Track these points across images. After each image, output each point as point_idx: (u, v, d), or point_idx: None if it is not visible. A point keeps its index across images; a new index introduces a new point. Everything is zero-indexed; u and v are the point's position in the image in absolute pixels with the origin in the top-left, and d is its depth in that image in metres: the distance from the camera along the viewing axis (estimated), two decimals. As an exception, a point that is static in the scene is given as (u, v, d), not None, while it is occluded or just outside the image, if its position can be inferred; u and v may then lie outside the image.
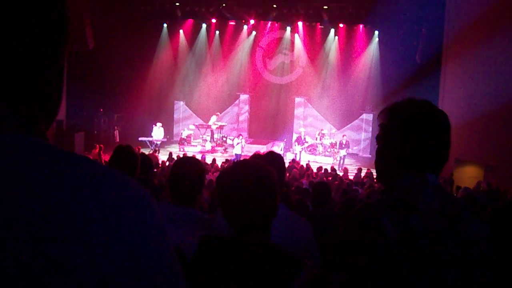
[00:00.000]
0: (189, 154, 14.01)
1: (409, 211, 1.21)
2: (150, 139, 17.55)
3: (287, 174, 11.26)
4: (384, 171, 1.40)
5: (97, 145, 14.75)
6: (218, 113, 19.40)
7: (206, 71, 21.30)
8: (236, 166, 1.58)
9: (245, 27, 20.77)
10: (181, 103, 21.10)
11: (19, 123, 0.65)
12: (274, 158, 2.42)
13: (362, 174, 13.51)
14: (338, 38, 20.22)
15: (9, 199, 0.58)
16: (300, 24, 20.17)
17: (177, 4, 19.22)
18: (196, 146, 18.73)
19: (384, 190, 1.34)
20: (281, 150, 18.07)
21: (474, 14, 13.62)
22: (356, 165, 16.02)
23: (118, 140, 18.34)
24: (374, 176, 11.91)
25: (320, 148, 18.30)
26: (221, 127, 18.92)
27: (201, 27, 20.97)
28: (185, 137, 18.78)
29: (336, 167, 15.32)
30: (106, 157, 13.45)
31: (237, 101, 21.39)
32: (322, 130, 18.88)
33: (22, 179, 0.59)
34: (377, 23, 18.76)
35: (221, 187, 1.54)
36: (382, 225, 1.18)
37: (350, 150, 17.69)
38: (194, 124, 19.56)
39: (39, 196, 0.59)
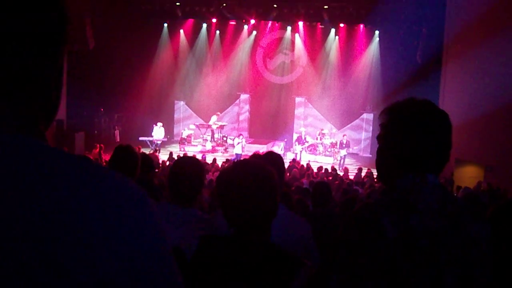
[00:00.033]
0: (190, 154, 14.02)
1: (409, 211, 1.21)
2: (150, 138, 17.55)
3: (287, 174, 11.25)
4: (384, 171, 1.40)
5: (98, 145, 14.76)
6: (219, 113, 19.40)
7: (206, 71, 21.30)
8: (236, 166, 1.58)
9: (246, 27, 20.77)
10: (182, 102, 21.10)
11: (18, 123, 0.65)
12: (273, 158, 2.43)
13: (363, 174, 13.52)
14: (339, 38, 20.21)
15: (7, 200, 0.58)
16: (300, 24, 20.17)
17: (178, 3, 19.22)
18: (197, 145, 18.73)
19: (385, 190, 1.34)
20: (281, 150, 18.07)
21: (474, 14, 13.62)
22: (357, 165, 16.02)
23: (118, 140, 18.33)
24: (375, 176, 11.91)
25: (321, 148, 18.30)
26: (221, 127, 18.92)
27: (201, 27, 20.96)
28: (185, 137, 18.78)
29: (336, 167, 15.32)
30: (106, 157, 13.46)
31: (237, 101, 21.39)
32: (322, 130, 18.88)
33: (20, 179, 0.59)
34: (378, 23, 18.76)
35: (221, 187, 1.54)
36: (381, 225, 1.18)
37: (350, 150, 17.69)
38: (194, 124, 19.56)
39: (36, 197, 0.59)
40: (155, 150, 16.70)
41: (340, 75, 20.21)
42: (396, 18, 17.45)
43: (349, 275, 1.20)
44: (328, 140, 18.24)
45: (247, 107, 21.28)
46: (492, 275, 1.25)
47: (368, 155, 18.97)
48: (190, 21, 20.82)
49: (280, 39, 20.94)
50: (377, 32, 19.66)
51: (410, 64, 16.90)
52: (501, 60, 12.38)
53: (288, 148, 18.64)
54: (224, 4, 19.24)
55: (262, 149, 17.05)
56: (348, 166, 15.36)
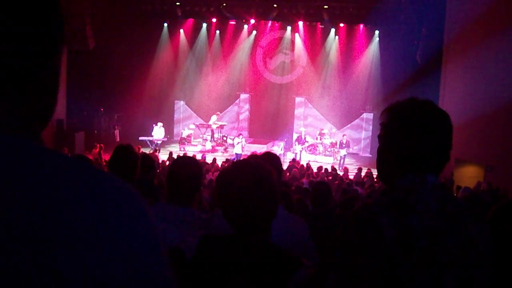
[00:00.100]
0: (190, 154, 14.03)
1: (407, 212, 1.21)
2: (150, 138, 17.55)
3: (287, 174, 11.26)
4: (384, 170, 1.40)
5: (97, 145, 14.75)
6: (219, 113, 19.41)
7: (206, 71, 21.30)
8: (236, 166, 1.58)
9: (246, 26, 20.77)
10: (182, 102, 21.10)
11: (13, 124, 0.64)
12: (271, 158, 2.43)
13: (362, 174, 13.52)
14: (339, 38, 20.22)
15: (0, 201, 0.58)
16: (300, 23, 20.18)
17: (178, 3, 19.22)
18: (197, 145, 18.73)
19: (385, 190, 1.34)
20: (281, 149, 18.07)
21: (474, 14, 13.62)
22: (357, 165, 16.02)
23: (118, 139, 18.33)
24: (375, 176, 11.91)
25: (321, 148, 18.30)
26: (221, 127, 18.93)
27: (201, 26, 20.97)
28: (185, 137, 18.78)
29: (336, 167, 15.32)
30: (106, 157, 13.46)
31: (237, 101, 21.39)
32: (322, 129, 18.88)
33: (13, 180, 0.59)
34: (378, 22, 18.76)
35: (221, 187, 1.54)
36: (379, 225, 1.18)
37: (350, 150, 17.70)
38: (194, 124, 19.57)
39: (29, 198, 0.58)
40: (155, 150, 16.70)
41: (340, 75, 20.22)
42: (396, 18, 17.46)
43: (347, 275, 1.20)
44: (328, 140, 18.24)
45: (247, 106, 21.28)
46: (492, 275, 1.25)
47: (368, 155, 18.97)
48: (190, 21, 20.82)
49: (280, 39, 20.94)
50: (377, 32, 19.67)
51: (410, 64, 16.91)
52: (501, 60, 12.38)
53: (288, 148, 18.65)
54: (224, 4, 19.24)
55: (262, 149, 17.05)
56: (348, 166, 15.35)
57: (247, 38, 20.95)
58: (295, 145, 18.01)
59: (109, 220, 0.61)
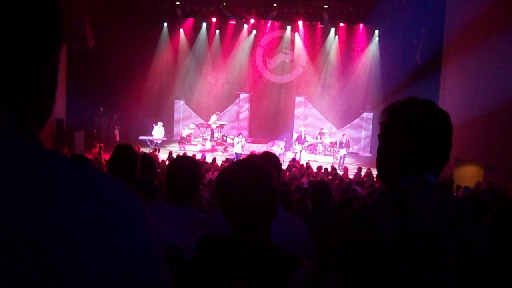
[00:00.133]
0: (190, 153, 14.03)
1: (407, 212, 1.20)
2: (150, 138, 17.54)
3: (287, 173, 11.27)
4: (384, 170, 1.40)
5: (97, 144, 14.75)
6: (218, 112, 19.41)
7: (206, 70, 21.29)
8: (236, 166, 1.58)
9: (246, 26, 20.76)
10: (181, 102, 21.10)
11: (11, 124, 0.64)
12: (270, 158, 2.43)
13: (362, 173, 13.52)
14: (339, 37, 20.22)
15: None
16: (300, 23, 20.17)
17: (178, 3, 19.22)
18: (196, 145, 18.74)
19: (385, 190, 1.34)
20: (281, 149, 18.07)
21: (474, 14, 13.62)
22: (356, 164, 16.02)
23: (118, 139, 18.33)
24: (374, 175, 11.92)
25: (320, 147, 18.30)
26: (221, 126, 18.93)
27: (201, 26, 20.96)
28: (185, 136, 18.78)
29: (336, 166, 15.33)
30: (106, 156, 13.46)
31: (237, 100, 21.39)
32: (322, 129, 18.88)
33: (11, 181, 0.59)
34: (378, 22, 18.75)
35: (221, 187, 1.54)
36: (378, 225, 1.18)
37: (350, 149, 17.70)
38: (194, 123, 19.56)
39: (27, 199, 0.58)
40: (155, 150, 16.70)
41: (339, 74, 20.22)
42: (396, 17, 17.46)
43: (346, 275, 1.20)
44: (328, 140, 18.24)
45: (246, 106, 21.28)
46: (492, 276, 1.25)
47: (368, 154, 18.97)
48: (190, 21, 20.81)
49: (280, 38, 20.93)
50: (376, 32, 19.66)
51: (409, 63, 16.90)
52: (501, 60, 12.38)
53: (288, 147, 18.65)
54: (224, 4, 19.23)
55: (262, 148, 17.06)
56: (348, 166, 15.35)
57: (247, 37, 20.95)
58: (295, 144, 18.01)
59: (107, 221, 0.61)
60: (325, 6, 18.56)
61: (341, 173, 13.56)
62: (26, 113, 0.67)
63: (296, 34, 20.51)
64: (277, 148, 18.15)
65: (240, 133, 17.33)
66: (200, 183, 2.40)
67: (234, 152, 16.30)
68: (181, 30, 20.96)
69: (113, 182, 0.66)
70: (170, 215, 2.18)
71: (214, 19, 20.48)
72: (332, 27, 20.03)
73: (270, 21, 20.51)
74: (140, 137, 17.46)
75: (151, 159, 4.22)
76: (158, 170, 6.59)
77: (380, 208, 1.22)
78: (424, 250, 1.17)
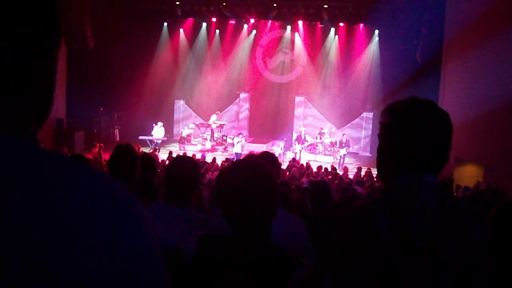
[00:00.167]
0: (189, 153, 14.03)
1: (405, 211, 1.20)
2: (150, 138, 17.55)
3: (287, 173, 11.27)
4: (384, 170, 1.40)
5: (97, 144, 14.75)
6: (218, 112, 19.41)
7: (206, 70, 21.29)
8: (236, 166, 1.58)
9: (245, 26, 20.75)
10: (181, 102, 21.09)
11: (9, 124, 0.64)
12: (269, 158, 2.44)
13: (362, 173, 13.52)
14: (338, 37, 20.21)
15: None
16: (300, 23, 20.16)
17: (178, 3, 19.20)
18: (196, 145, 18.74)
19: (384, 190, 1.33)
20: (281, 149, 18.07)
21: (474, 14, 13.61)
22: (356, 164, 16.02)
23: (118, 139, 18.33)
24: (374, 175, 11.92)
25: (320, 147, 18.30)
26: (221, 126, 18.93)
27: (201, 26, 20.95)
28: (185, 136, 18.78)
29: (336, 166, 15.33)
30: (106, 156, 13.45)
31: (237, 100, 21.38)
32: (322, 129, 18.88)
33: (8, 181, 0.59)
34: (377, 22, 18.74)
35: (221, 187, 1.54)
36: (376, 225, 1.18)
37: (350, 149, 17.70)
38: (194, 123, 19.56)
39: (24, 199, 0.58)
40: (155, 149, 16.70)
41: (339, 74, 20.21)
42: (396, 17, 17.45)
43: (345, 274, 1.20)
44: (328, 139, 18.24)
45: (246, 106, 21.27)
46: (492, 276, 1.24)
47: (368, 154, 18.98)
48: (190, 20, 20.80)
49: (280, 38, 20.93)
50: (376, 32, 19.66)
51: (409, 63, 16.91)
52: (501, 60, 12.38)
53: (288, 147, 18.65)
54: (224, 4, 19.22)
55: (262, 148, 17.05)
56: (348, 165, 15.36)
57: (247, 37, 20.94)
58: (295, 144, 18.01)
59: (105, 221, 0.61)
60: (325, 6, 18.55)
61: (341, 173, 13.57)
62: (24, 112, 0.67)
63: (296, 34, 20.50)
64: (277, 148, 18.15)
65: (240, 133, 17.33)
66: (199, 183, 2.40)
67: (234, 152, 16.30)
68: (181, 30, 20.96)
69: (111, 182, 0.66)
70: (169, 215, 2.19)
71: (214, 19, 20.48)
72: (332, 27, 20.03)
73: (270, 21, 20.50)
74: (140, 137, 17.46)
75: (151, 159, 4.22)
76: (159, 170, 6.59)
77: (379, 208, 1.22)
78: (423, 250, 1.17)
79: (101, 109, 18.44)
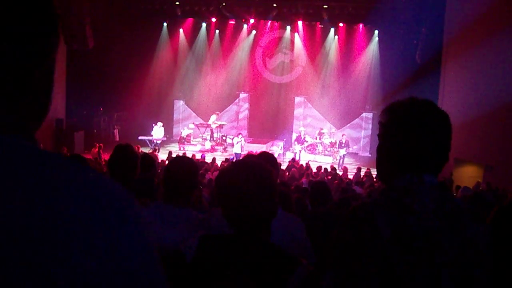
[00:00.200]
0: (189, 153, 14.03)
1: (404, 212, 1.20)
2: (149, 138, 17.55)
3: (287, 173, 11.27)
4: (384, 170, 1.40)
5: (97, 144, 14.75)
6: (218, 112, 19.42)
7: (206, 70, 21.29)
8: (236, 166, 1.58)
9: (245, 26, 20.76)
10: (181, 102, 21.10)
11: (7, 124, 0.64)
12: (268, 158, 2.44)
13: (362, 174, 13.52)
14: (338, 38, 20.21)
15: None
16: (300, 23, 20.17)
17: (177, 3, 19.21)
18: (196, 145, 18.74)
19: (383, 190, 1.33)
20: (280, 149, 18.08)
21: (474, 14, 13.62)
22: (356, 164, 16.03)
23: (117, 139, 18.33)
24: (374, 175, 11.92)
25: (320, 148, 18.31)
26: (220, 126, 18.93)
27: (201, 26, 20.96)
28: (185, 136, 18.79)
29: (336, 166, 15.33)
30: (105, 156, 13.45)
31: (236, 100, 21.39)
32: (321, 129, 18.89)
33: (5, 181, 0.59)
34: (377, 22, 18.75)
35: (221, 187, 1.54)
36: (376, 224, 1.18)
37: (350, 150, 17.70)
38: (194, 123, 19.56)
39: (21, 199, 0.58)
40: (154, 150, 16.70)
41: (339, 74, 20.22)
42: (395, 17, 17.45)
43: (345, 274, 1.20)
44: (328, 140, 18.25)
45: (246, 106, 21.28)
46: (491, 276, 1.24)
47: (368, 154, 18.99)
48: (189, 21, 20.81)
49: (280, 38, 20.93)
50: (376, 32, 19.66)
51: (409, 63, 16.90)
52: (501, 60, 12.39)
53: (287, 147, 18.66)
54: (224, 4, 19.22)
55: (261, 148, 17.04)
56: (348, 166, 15.36)
57: (246, 37, 20.95)
58: (295, 144, 18.02)
59: (102, 222, 0.61)
60: (325, 6, 18.55)
61: (340, 173, 13.56)
62: (23, 112, 0.67)
63: (296, 34, 20.51)
64: (276, 148, 18.16)
65: (240, 133, 17.33)
66: (198, 183, 2.40)
67: (233, 152, 16.31)
68: (181, 30, 20.96)
69: (109, 183, 0.66)
70: (168, 215, 2.19)
71: (213, 19, 20.48)
72: (331, 27, 20.03)
73: (269, 21, 20.50)
74: (140, 137, 17.47)
75: (151, 159, 4.22)
76: (159, 170, 6.59)
77: (379, 208, 1.22)
78: (422, 250, 1.17)
79: (101, 109, 18.45)
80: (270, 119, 20.87)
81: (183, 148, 18.00)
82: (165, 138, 18.15)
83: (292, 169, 12.09)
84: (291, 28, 20.47)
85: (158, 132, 17.54)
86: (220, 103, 20.82)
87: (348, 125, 19.85)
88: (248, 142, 18.22)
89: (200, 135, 19.19)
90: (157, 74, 20.52)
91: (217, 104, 20.64)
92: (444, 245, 1.19)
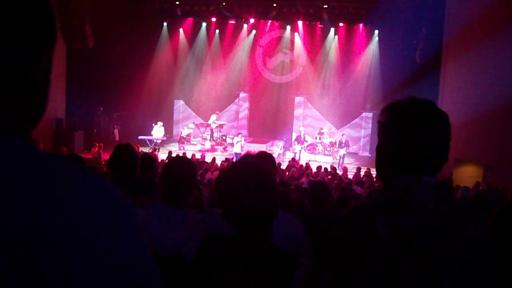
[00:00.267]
0: (189, 153, 14.04)
1: (403, 212, 1.20)
2: (149, 137, 17.55)
3: (287, 173, 11.27)
4: (383, 170, 1.40)
5: (97, 144, 14.75)
6: (218, 112, 19.42)
7: (206, 70, 21.29)
8: (236, 166, 1.58)
9: (245, 26, 20.76)
10: (181, 102, 21.10)
11: (3, 124, 0.64)
12: (266, 158, 2.44)
13: (362, 173, 13.52)
14: (338, 37, 20.21)
15: None
16: (300, 23, 20.17)
17: (177, 2, 19.20)
18: (196, 145, 18.74)
19: (383, 189, 1.33)
20: (280, 149, 18.07)
21: (474, 14, 13.62)
22: (356, 164, 16.03)
23: (117, 138, 18.34)
24: (373, 175, 11.92)
25: (320, 147, 18.31)
26: (220, 126, 18.94)
27: (201, 26, 20.96)
28: (184, 136, 18.79)
29: (335, 166, 15.33)
30: (105, 156, 13.45)
31: (236, 100, 21.39)
32: (321, 129, 18.89)
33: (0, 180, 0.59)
34: (377, 22, 18.75)
35: (221, 188, 1.54)
36: (374, 225, 1.18)
37: (349, 149, 17.70)
38: (193, 123, 19.57)
39: (17, 200, 0.58)
40: (154, 149, 16.70)
41: (339, 74, 20.22)
42: (395, 17, 17.44)
43: (343, 274, 1.20)
44: (327, 139, 18.25)
45: (246, 105, 21.28)
46: (491, 276, 1.24)
47: (367, 154, 18.99)
48: (189, 20, 20.80)
49: (280, 38, 20.93)
50: (376, 32, 19.66)
51: (409, 63, 16.90)
52: (500, 60, 12.38)
53: (287, 147, 18.65)
54: (224, 3, 19.22)
55: (261, 148, 17.04)
56: (347, 165, 15.36)
57: (246, 37, 20.94)
58: (295, 144, 18.02)
59: (97, 223, 0.61)
60: (325, 6, 18.55)
61: (340, 173, 13.56)
62: (18, 112, 0.67)
63: (296, 34, 20.50)
64: (276, 148, 18.16)
65: (240, 133, 17.33)
66: (196, 183, 2.40)
67: (233, 152, 16.30)
68: (181, 30, 20.96)
69: (104, 184, 0.66)
70: (166, 215, 2.19)
71: (213, 19, 20.48)
72: (331, 27, 20.03)
73: (269, 21, 20.50)
74: (140, 137, 17.47)
75: (151, 158, 4.22)
76: (159, 170, 6.59)
77: (377, 208, 1.22)
78: (421, 250, 1.17)
79: (101, 108, 18.44)
80: (270, 119, 20.86)
81: (183, 147, 18.00)
82: (165, 138, 18.15)
83: (292, 169, 12.09)
84: (291, 28, 20.46)
85: (158, 131, 17.54)
86: (220, 103, 20.82)
87: (348, 124, 19.85)
88: (248, 142, 18.22)
89: (200, 134, 19.19)
90: (157, 74, 20.51)
91: (217, 103, 20.64)
92: (443, 245, 1.19)
